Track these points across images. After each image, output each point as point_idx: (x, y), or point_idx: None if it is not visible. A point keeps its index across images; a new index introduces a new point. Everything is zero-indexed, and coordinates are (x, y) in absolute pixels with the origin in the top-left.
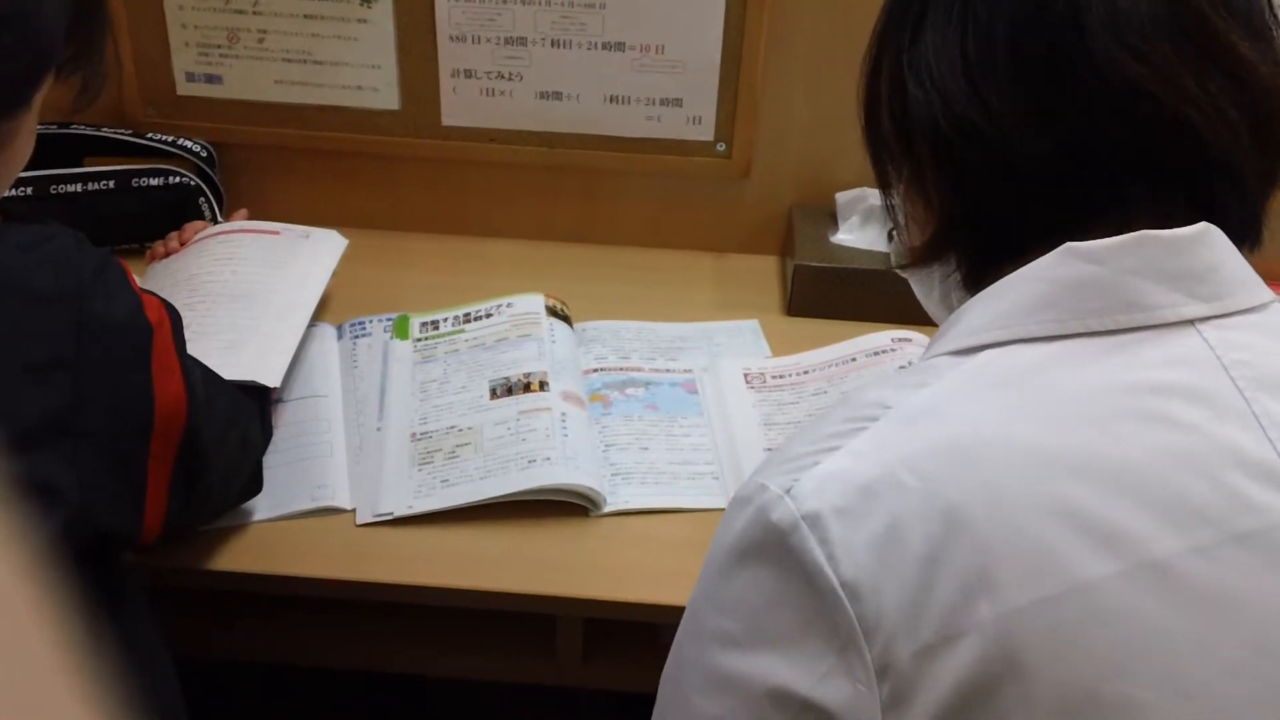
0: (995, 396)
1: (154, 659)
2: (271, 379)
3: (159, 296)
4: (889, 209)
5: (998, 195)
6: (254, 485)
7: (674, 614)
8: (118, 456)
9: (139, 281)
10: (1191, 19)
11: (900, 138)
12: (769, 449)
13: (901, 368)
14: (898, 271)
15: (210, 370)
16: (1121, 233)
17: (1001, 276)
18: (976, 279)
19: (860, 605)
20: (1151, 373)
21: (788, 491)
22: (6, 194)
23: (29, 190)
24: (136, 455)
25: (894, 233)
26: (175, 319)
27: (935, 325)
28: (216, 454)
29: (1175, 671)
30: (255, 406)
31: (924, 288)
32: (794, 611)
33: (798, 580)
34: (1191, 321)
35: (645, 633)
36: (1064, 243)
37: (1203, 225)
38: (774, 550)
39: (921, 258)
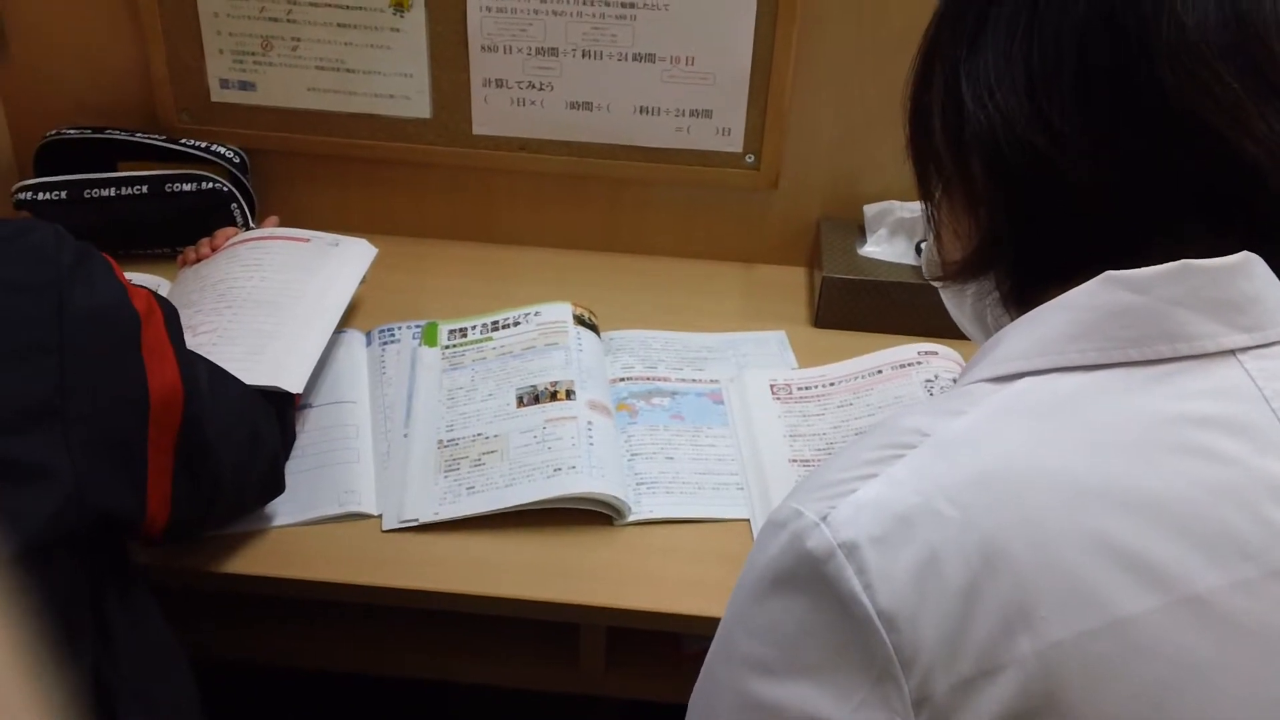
0: (1034, 426)
1: (163, 648)
2: (294, 384)
3: (150, 290)
4: (928, 219)
5: (1050, 219)
6: (273, 486)
7: (697, 624)
8: (113, 440)
9: (170, 285)
10: (1261, 52)
11: (954, 153)
12: (794, 460)
13: (929, 382)
14: (931, 283)
15: (218, 366)
16: (1167, 260)
17: (1041, 297)
18: (1016, 299)
19: (897, 635)
20: (1192, 404)
21: (824, 519)
22: (41, 198)
23: (63, 194)
24: (133, 440)
25: (927, 243)
26: (169, 311)
27: (962, 338)
28: (222, 447)
29: (1215, 707)
30: (268, 406)
31: (955, 301)
32: (828, 640)
33: (833, 609)
34: (1233, 352)
35: (668, 642)
36: (1106, 269)
37: (1244, 255)
38: (809, 578)
39: (960, 273)
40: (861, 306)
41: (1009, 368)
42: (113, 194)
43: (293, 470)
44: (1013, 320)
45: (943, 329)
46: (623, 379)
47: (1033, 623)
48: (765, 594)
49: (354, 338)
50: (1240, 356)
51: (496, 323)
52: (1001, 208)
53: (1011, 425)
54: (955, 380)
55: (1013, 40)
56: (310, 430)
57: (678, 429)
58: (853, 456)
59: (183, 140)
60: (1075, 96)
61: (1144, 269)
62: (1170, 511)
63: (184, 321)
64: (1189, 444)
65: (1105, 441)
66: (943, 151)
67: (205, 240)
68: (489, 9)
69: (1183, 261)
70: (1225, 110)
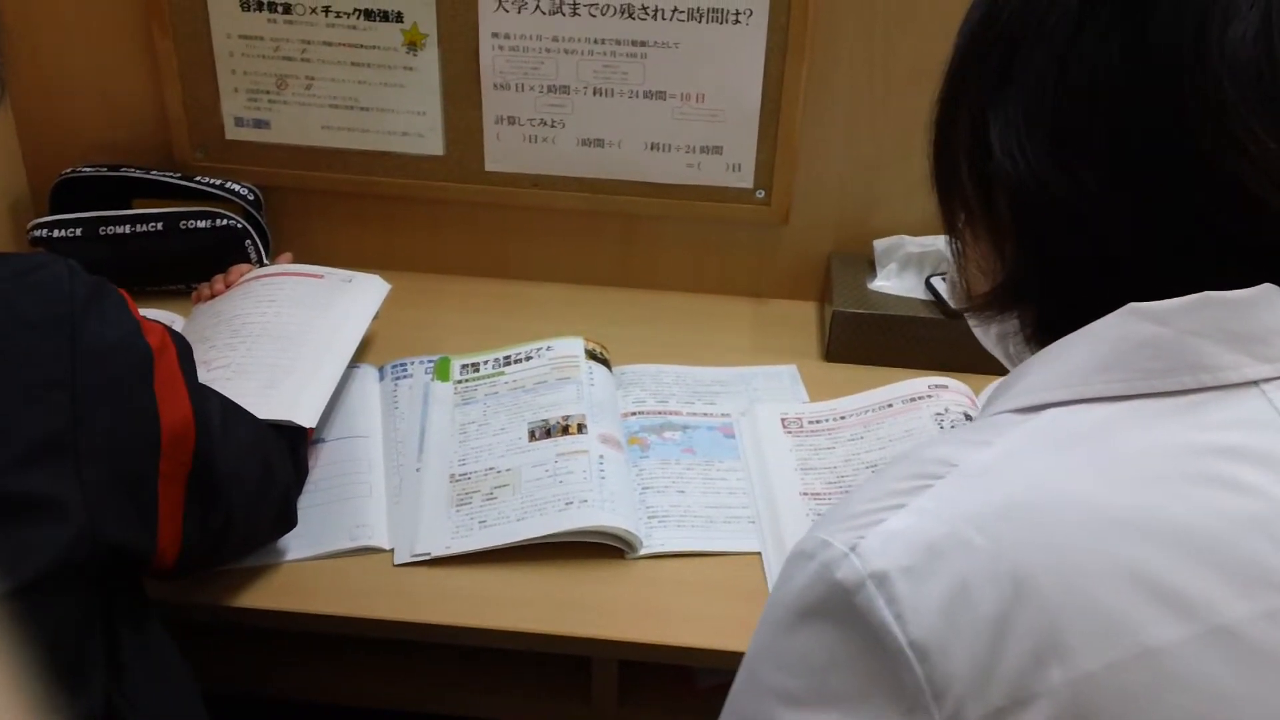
0: (1062, 456)
1: (174, 679)
2: (307, 419)
3: (164, 325)
4: (952, 251)
5: (1079, 266)
6: (285, 521)
7: (710, 657)
8: (124, 474)
9: (185, 321)
10: None
11: (980, 192)
12: (805, 493)
13: (939, 415)
14: (957, 309)
15: (231, 402)
16: (1189, 290)
17: (1066, 330)
18: (1039, 333)
19: (929, 666)
20: (1217, 434)
21: (853, 549)
22: (56, 235)
23: (78, 231)
24: (144, 474)
25: (951, 273)
26: (182, 347)
27: (973, 371)
28: (233, 482)
29: None
30: (281, 441)
31: (981, 330)
32: (859, 671)
33: (863, 639)
34: (1256, 383)
35: (680, 675)
36: (1130, 302)
37: (1265, 287)
38: (839, 608)
39: (985, 306)
40: (872, 340)
41: (1034, 399)
42: (128, 231)
43: (305, 504)
44: (1034, 352)
45: (953, 362)
46: (634, 413)
47: (1064, 653)
48: (793, 625)
49: (367, 372)
50: (1264, 387)
51: (509, 357)
52: (1029, 250)
53: (1038, 455)
54: (966, 414)
55: (1043, 92)
56: (323, 464)
57: (689, 463)
58: (879, 487)
59: (198, 178)
60: (1107, 155)
61: (1165, 301)
62: (1197, 542)
63: (198, 357)
64: (1215, 475)
65: (1132, 472)
66: (969, 189)
67: (220, 277)
68: (501, 47)
69: (1204, 294)
70: (1262, 171)
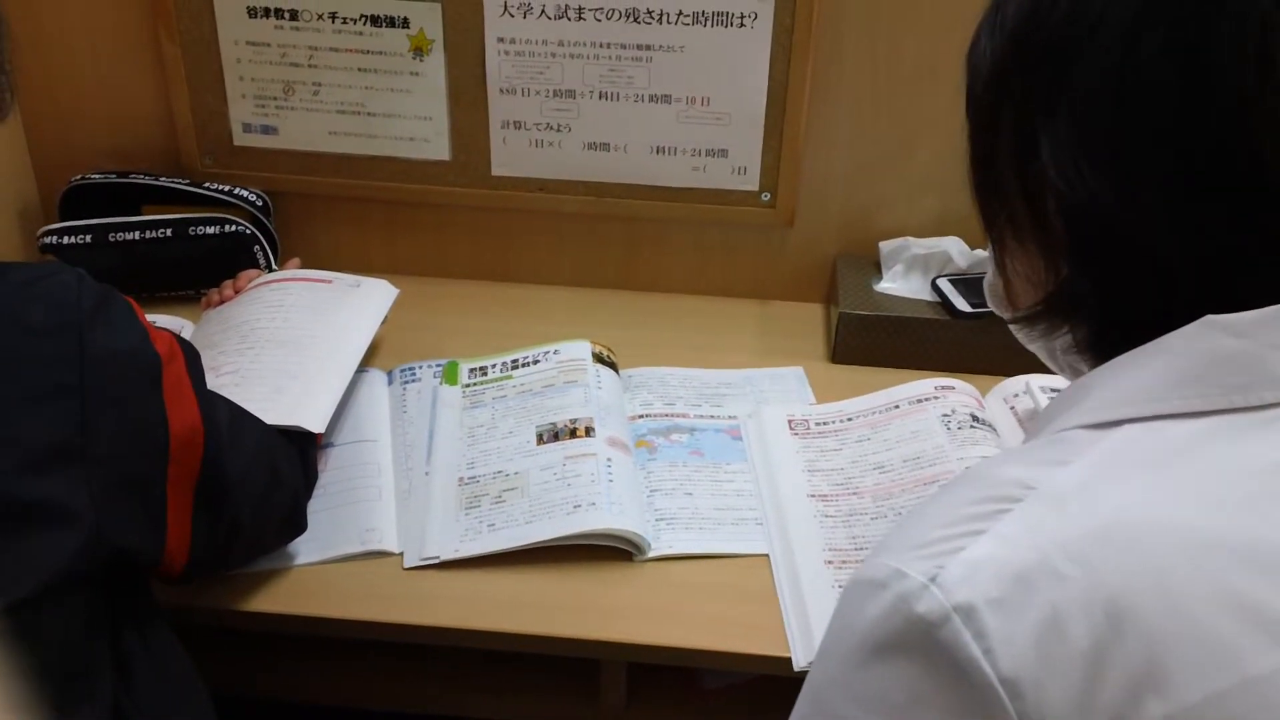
0: (1147, 477)
1: (183, 683)
2: (315, 424)
3: (172, 332)
4: (997, 261)
5: (1140, 281)
6: (294, 525)
7: (718, 659)
8: (132, 481)
9: (194, 327)
10: None
11: (1031, 208)
12: (812, 495)
13: (945, 417)
14: (1003, 318)
15: (238, 406)
16: (1261, 301)
17: (1122, 343)
18: (1094, 342)
19: (1022, 703)
20: None
21: (933, 580)
22: (66, 241)
23: (88, 238)
24: (153, 480)
25: (991, 279)
26: (190, 353)
27: (979, 372)
28: (242, 487)
29: None
30: (290, 445)
31: (1025, 336)
32: (944, 709)
33: (948, 676)
34: None
35: (688, 678)
36: (1198, 315)
37: None
38: (921, 644)
39: (1035, 318)
40: (878, 342)
41: (1108, 414)
42: (137, 237)
43: (314, 509)
44: (1088, 363)
45: (960, 364)
46: (642, 416)
47: (1162, 684)
48: (869, 660)
49: (375, 377)
50: None
51: (516, 361)
52: (1086, 266)
53: (1124, 477)
54: (973, 415)
55: (1098, 111)
56: (332, 469)
57: (696, 465)
58: (949, 512)
59: (206, 184)
60: (1171, 176)
61: (1244, 314)
62: None
63: (207, 362)
64: None
65: (1222, 492)
66: (1017, 203)
67: (228, 282)
68: (507, 52)
69: None
70: None
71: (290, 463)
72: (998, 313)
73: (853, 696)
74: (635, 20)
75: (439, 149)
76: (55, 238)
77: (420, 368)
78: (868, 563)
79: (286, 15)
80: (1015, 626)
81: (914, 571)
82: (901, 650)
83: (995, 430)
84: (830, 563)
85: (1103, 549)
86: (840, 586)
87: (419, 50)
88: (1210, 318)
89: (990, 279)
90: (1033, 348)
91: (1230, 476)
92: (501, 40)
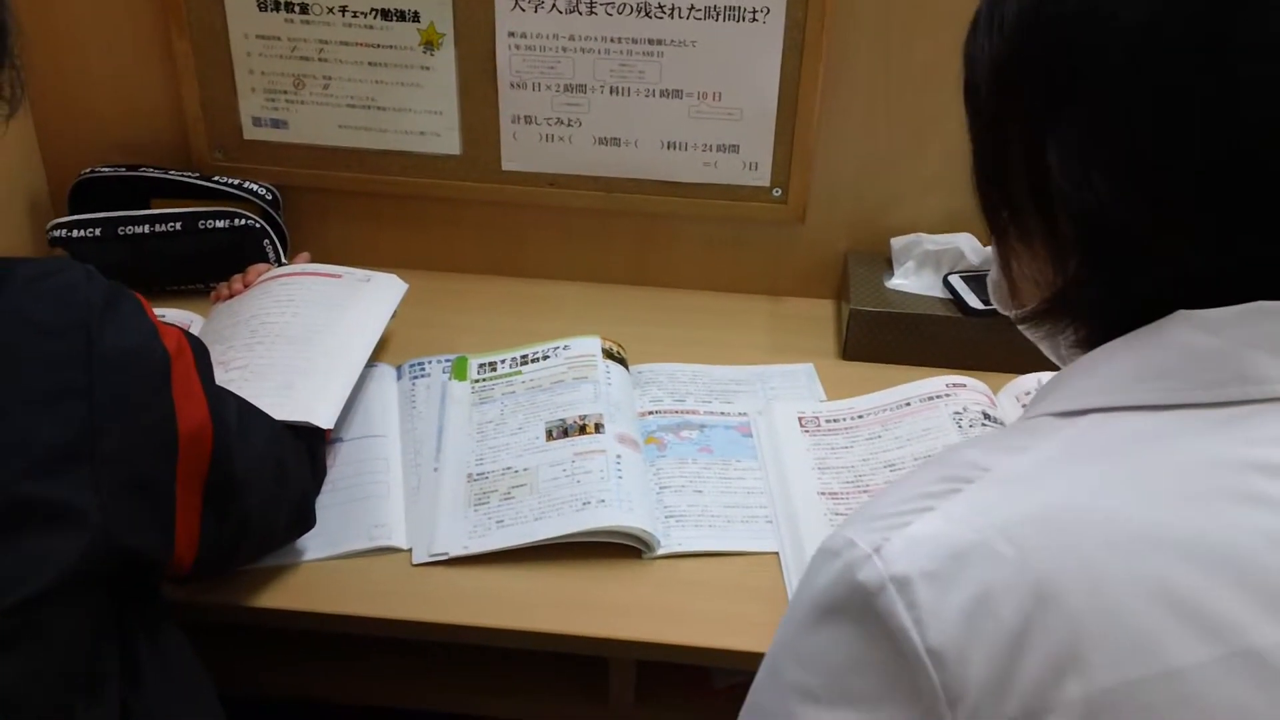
0: (1097, 467)
1: (191, 682)
2: (324, 420)
3: (180, 328)
4: (1001, 260)
5: (1147, 287)
6: (303, 522)
7: (727, 658)
8: (141, 480)
9: (203, 321)
10: None
11: (1040, 212)
12: (823, 493)
13: (957, 415)
14: (1008, 316)
15: (246, 402)
16: (1241, 299)
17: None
18: (1097, 343)
19: (945, 673)
20: (1260, 450)
21: (876, 550)
22: (75, 235)
23: (97, 231)
24: (161, 480)
25: (995, 277)
26: (198, 350)
27: (992, 370)
28: (250, 484)
29: None
30: (298, 442)
31: (1032, 335)
32: (876, 673)
33: (881, 642)
34: None
35: (698, 676)
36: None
37: None
38: (859, 609)
39: (1038, 316)
40: (889, 339)
41: (1074, 403)
42: (146, 231)
43: (323, 504)
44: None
45: (971, 361)
46: (651, 412)
47: (1083, 667)
48: (815, 623)
49: (384, 372)
50: None
51: (526, 357)
52: (1096, 271)
53: (1074, 465)
54: (985, 413)
55: (1112, 117)
56: (341, 464)
57: (706, 462)
58: (909, 489)
59: (216, 177)
60: (1188, 183)
61: (1217, 310)
62: (1231, 561)
63: (216, 357)
64: (1255, 492)
65: (1170, 485)
66: (1026, 207)
67: (238, 276)
68: (518, 46)
69: (1257, 303)
70: None
71: (299, 459)
72: (1001, 310)
73: (798, 658)
74: (646, 15)
75: (449, 143)
76: (65, 231)
77: (429, 363)
78: (831, 534)
79: (297, 9)
80: (946, 600)
81: (862, 542)
82: (843, 614)
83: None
84: None
85: (1039, 533)
86: None
87: (429, 44)
88: (1183, 313)
89: (994, 276)
90: (1042, 347)
91: (1184, 471)
92: (512, 34)
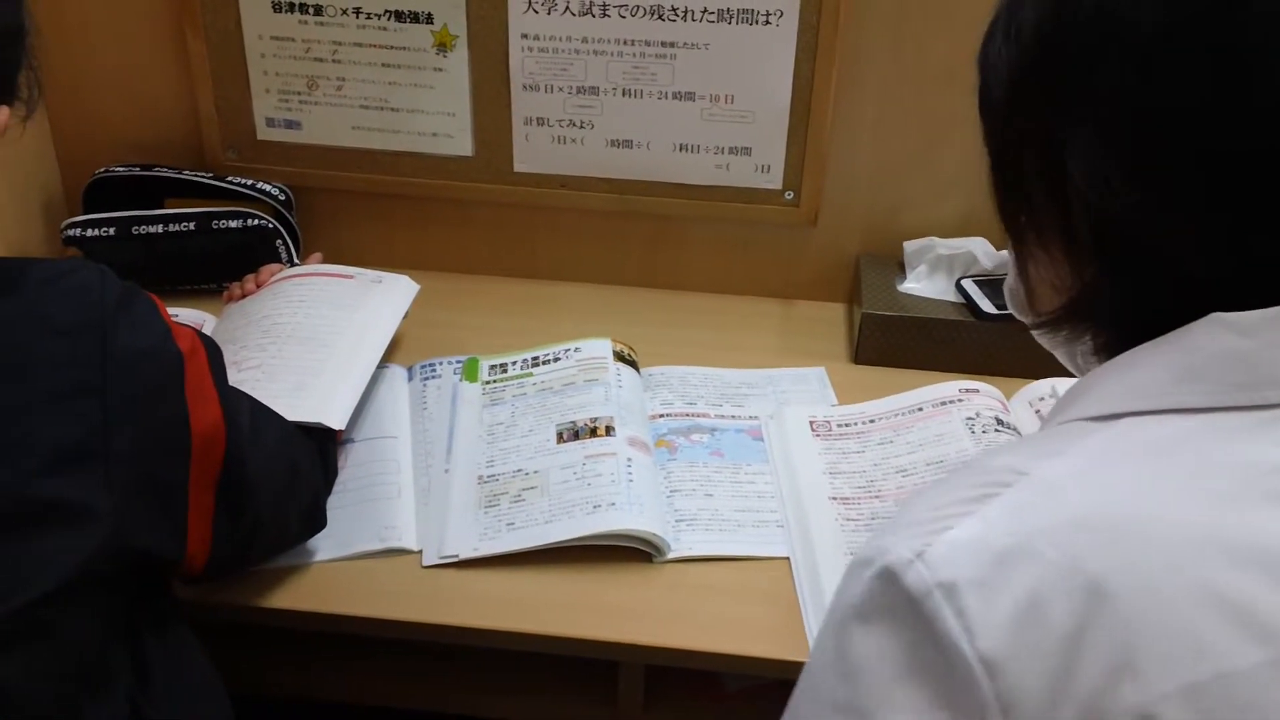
0: (1138, 469)
1: (200, 682)
2: (336, 420)
3: (193, 328)
4: (1018, 265)
5: (1168, 293)
6: (314, 522)
7: (738, 663)
8: (154, 480)
9: (216, 321)
10: None
11: (1058, 216)
12: (834, 497)
13: (970, 420)
14: (1024, 322)
15: (259, 403)
16: (1273, 300)
17: (1138, 344)
18: (1116, 350)
19: (998, 682)
20: None
21: (919, 555)
22: (89, 234)
23: (111, 231)
24: (175, 479)
25: (1011, 283)
26: (212, 350)
27: (1004, 375)
28: (263, 483)
29: None
30: (310, 443)
31: (1048, 341)
32: (924, 683)
33: (929, 650)
34: None
35: (708, 681)
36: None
37: None
38: (904, 616)
39: (1056, 322)
40: (901, 343)
41: (1108, 407)
42: (160, 231)
43: (334, 505)
44: (1104, 364)
45: (984, 366)
46: (662, 415)
47: (1138, 672)
48: (854, 633)
49: (396, 373)
50: None
51: (537, 358)
52: (1115, 276)
53: (1114, 467)
54: (998, 418)
55: (1128, 120)
56: (352, 465)
57: (717, 465)
58: (943, 495)
59: (229, 178)
60: (1204, 185)
61: (1251, 312)
62: (1276, 563)
63: (228, 357)
64: None
65: (1211, 488)
66: (1044, 211)
67: (250, 276)
68: (531, 49)
69: None
70: None
71: (310, 459)
72: (1018, 316)
73: (839, 671)
74: (659, 17)
75: (462, 145)
76: (79, 230)
77: (441, 364)
78: (864, 544)
79: (311, 10)
80: (994, 606)
81: (902, 548)
82: (886, 621)
83: (1020, 434)
84: None
85: (1085, 535)
86: None
87: (443, 46)
88: (1217, 315)
89: (1011, 283)
90: (1058, 354)
91: (1223, 473)
92: (525, 36)
